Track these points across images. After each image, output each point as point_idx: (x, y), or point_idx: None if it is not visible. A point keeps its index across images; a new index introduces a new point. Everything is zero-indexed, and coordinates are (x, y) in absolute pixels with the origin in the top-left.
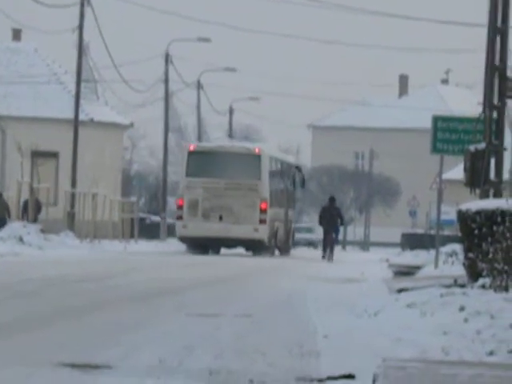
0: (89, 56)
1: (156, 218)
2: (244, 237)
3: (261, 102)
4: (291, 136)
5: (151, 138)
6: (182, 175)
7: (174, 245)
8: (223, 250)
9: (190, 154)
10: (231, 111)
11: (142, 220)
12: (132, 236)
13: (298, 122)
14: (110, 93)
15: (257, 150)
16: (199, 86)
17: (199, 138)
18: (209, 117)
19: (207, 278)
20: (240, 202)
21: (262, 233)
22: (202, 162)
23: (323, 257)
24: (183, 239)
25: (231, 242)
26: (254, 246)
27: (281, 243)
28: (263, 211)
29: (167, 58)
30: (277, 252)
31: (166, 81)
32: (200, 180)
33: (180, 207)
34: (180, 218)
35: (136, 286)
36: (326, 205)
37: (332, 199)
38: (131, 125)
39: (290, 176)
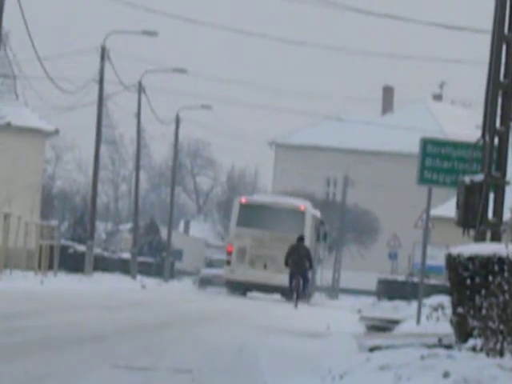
0: (8, 46)
1: (81, 247)
2: (284, 285)
3: (214, 111)
4: (249, 154)
5: (80, 149)
6: (232, 224)
7: (102, 279)
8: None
9: (242, 206)
10: (178, 121)
11: (64, 248)
12: (51, 267)
13: (257, 137)
14: (32, 92)
15: (302, 207)
16: (140, 88)
17: (137, 152)
18: (151, 127)
19: (146, 321)
20: (283, 253)
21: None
22: (252, 214)
23: (296, 306)
24: (230, 283)
25: (272, 289)
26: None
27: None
28: None
29: (103, 53)
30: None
31: (101, 81)
32: (249, 230)
33: (229, 253)
34: (229, 263)
35: (51, 329)
36: (293, 244)
37: (301, 238)
38: (56, 132)
39: (317, 230)
